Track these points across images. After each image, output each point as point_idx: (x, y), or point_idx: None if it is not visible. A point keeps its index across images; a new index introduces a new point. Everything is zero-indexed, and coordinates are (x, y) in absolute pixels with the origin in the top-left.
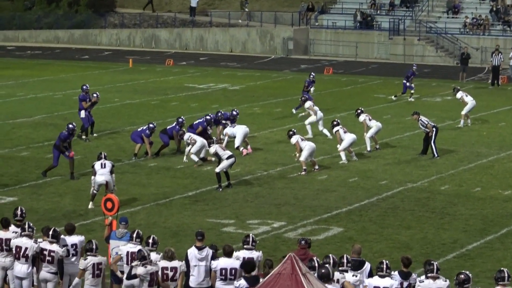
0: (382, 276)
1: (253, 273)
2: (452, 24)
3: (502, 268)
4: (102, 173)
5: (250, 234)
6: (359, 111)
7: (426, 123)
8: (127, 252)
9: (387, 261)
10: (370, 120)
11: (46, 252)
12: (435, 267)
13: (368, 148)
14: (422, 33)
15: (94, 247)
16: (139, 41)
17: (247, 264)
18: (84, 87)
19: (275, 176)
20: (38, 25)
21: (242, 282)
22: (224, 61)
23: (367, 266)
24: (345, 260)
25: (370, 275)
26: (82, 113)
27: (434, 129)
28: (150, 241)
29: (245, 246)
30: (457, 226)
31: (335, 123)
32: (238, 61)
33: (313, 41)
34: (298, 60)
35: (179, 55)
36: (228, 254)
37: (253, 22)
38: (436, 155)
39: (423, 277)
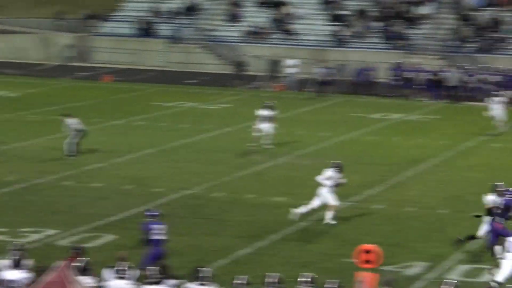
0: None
1: None
2: (232, 32)
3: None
4: None
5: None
6: None
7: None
8: None
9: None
10: None
11: None
12: (204, 274)
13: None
14: (202, 41)
15: None
16: None
17: None
18: None
19: (45, 184)
20: None
21: None
22: (2, 68)
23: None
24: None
25: None
26: None
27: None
28: None
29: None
30: (230, 233)
31: None
32: (17, 68)
33: (94, 49)
34: (78, 68)
35: None
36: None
37: (33, 29)
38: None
39: (193, 284)
